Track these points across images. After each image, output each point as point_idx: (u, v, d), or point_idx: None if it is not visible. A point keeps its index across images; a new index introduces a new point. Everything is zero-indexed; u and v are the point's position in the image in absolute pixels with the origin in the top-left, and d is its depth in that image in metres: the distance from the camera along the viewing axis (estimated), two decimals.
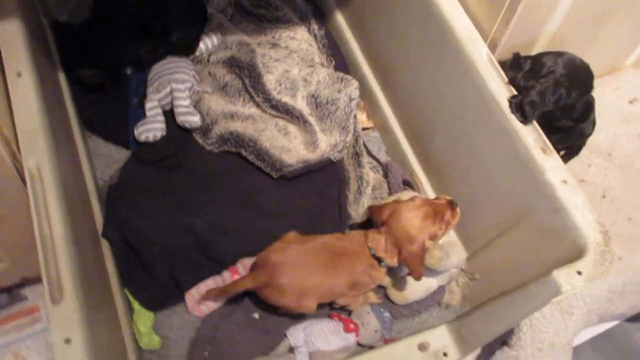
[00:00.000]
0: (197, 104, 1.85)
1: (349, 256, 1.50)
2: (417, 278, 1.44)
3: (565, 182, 1.30)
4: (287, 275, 1.46)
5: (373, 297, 1.66)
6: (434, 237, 1.45)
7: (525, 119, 1.36)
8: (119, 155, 1.85)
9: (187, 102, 1.80)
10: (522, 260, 1.46)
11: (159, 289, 1.64)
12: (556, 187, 1.29)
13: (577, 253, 1.24)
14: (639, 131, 1.81)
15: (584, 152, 1.71)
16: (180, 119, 1.79)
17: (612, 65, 1.87)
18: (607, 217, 1.65)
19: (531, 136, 1.35)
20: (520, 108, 1.36)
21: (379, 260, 1.48)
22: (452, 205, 1.48)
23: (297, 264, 1.49)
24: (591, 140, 1.68)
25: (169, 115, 1.82)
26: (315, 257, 1.51)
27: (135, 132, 1.77)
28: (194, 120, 1.79)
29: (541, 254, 1.38)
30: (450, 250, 1.59)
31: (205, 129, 1.82)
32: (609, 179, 1.73)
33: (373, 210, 1.52)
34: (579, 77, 1.48)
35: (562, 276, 1.18)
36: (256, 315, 1.64)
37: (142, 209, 1.71)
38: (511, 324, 1.40)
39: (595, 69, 1.79)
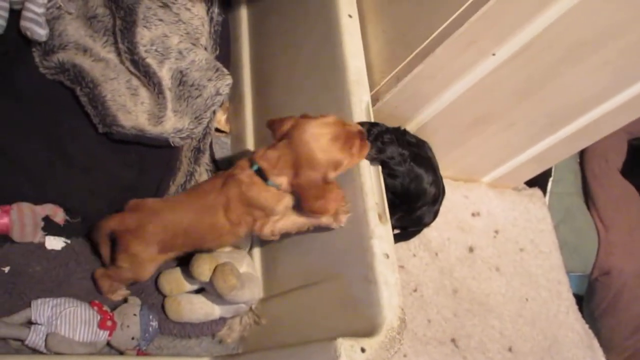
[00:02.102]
0: (52, 20, 1.62)
1: (217, 188, 1.31)
2: (309, 211, 1.24)
3: (387, 256, 1.22)
4: (160, 222, 1.34)
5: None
6: (337, 167, 1.23)
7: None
8: None
9: (40, 10, 1.55)
10: (315, 319, 1.36)
11: None
12: (376, 258, 1.21)
13: (369, 330, 1.15)
14: (469, 244, 1.83)
15: (415, 241, 1.69)
16: (23, 24, 1.54)
17: (470, 174, 1.89)
18: (409, 310, 1.61)
19: (374, 198, 1.27)
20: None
21: (265, 178, 1.26)
22: (362, 135, 1.26)
23: (171, 211, 1.36)
24: (425, 233, 1.66)
25: (15, 15, 1.55)
26: (186, 201, 1.38)
27: None
28: (39, 32, 1.55)
29: (335, 319, 1.29)
30: (247, 284, 1.45)
31: (48, 49, 1.59)
32: (426, 277, 1.71)
33: (273, 122, 1.29)
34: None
35: (345, 347, 1.08)
36: (6, 270, 1.40)
37: None
38: None
39: (454, 170, 1.81)
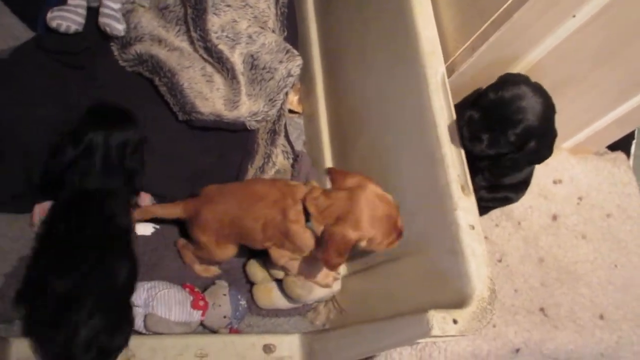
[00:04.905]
0: (126, 14, 1.67)
1: (268, 201, 1.35)
2: (327, 266, 1.26)
3: (472, 227, 1.21)
4: (212, 209, 1.39)
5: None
6: (371, 241, 1.25)
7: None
8: (20, 33, 1.65)
9: (117, 6, 1.62)
10: (402, 292, 1.36)
11: (7, 187, 1.45)
12: (462, 229, 1.20)
13: (458, 302, 1.15)
14: (553, 212, 1.79)
15: (496, 211, 1.66)
16: (102, 21, 1.60)
17: None
18: (495, 281, 1.59)
19: (456, 170, 1.25)
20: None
21: (307, 219, 1.30)
22: (400, 235, 1.29)
23: (222, 200, 1.40)
24: None
25: (92, 13, 1.62)
26: (237, 195, 1.40)
27: (48, 15, 1.56)
28: (118, 27, 1.60)
29: (423, 292, 1.29)
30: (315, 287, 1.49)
31: (125, 42, 1.64)
32: (510, 246, 1.69)
33: (335, 172, 1.34)
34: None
35: (437, 319, 1.08)
36: None
37: (23, 97, 1.51)
38: (368, 353, 1.30)
39: None
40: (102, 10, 1.59)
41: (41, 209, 1.44)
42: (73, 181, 1.33)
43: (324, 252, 1.24)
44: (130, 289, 1.30)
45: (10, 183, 1.44)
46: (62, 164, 1.32)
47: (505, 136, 1.28)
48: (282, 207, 1.32)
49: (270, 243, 1.37)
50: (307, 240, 1.31)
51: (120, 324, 1.26)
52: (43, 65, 1.56)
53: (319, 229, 1.27)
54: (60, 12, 1.56)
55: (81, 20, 1.59)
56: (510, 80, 1.29)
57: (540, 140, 1.31)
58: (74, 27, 1.57)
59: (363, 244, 1.25)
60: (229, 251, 1.45)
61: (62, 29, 1.56)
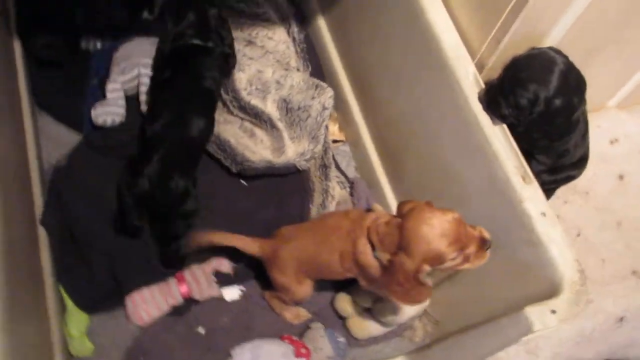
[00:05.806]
0: None
1: (342, 232, 1.35)
2: (386, 288, 1.25)
3: (544, 214, 1.22)
4: (288, 249, 1.43)
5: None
6: (436, 261, 1.19)
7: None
8: (69, 138, 1.72)
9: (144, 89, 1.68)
10: (491, 294, 1.37)
11: (97, 288, 1.52)
12: (533, 219, 1.21)
13: (550, 291, 1.16)
14: (618, 172, 1.76)
15: (561, 188, 1.65)
16: (144, 108, 1.66)
17: (596, 104, 1.82)
18: (579, 257, 1.58)
19: (512, 162, 1.26)
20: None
21: (373, 249, 1.29)
22: (483, 244, 1.21)
23: (297, 238, 1.45)
24: None
25: (130, 101, 1.69)
26: (312, 231, 1.45)
27: (93, 114, 1.63)
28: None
29: (511, 289, 1.29)
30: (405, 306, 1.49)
31: None
32: (584, 219, 1.67)
33: (400, 203, 1.31)
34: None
35: (535, 314, 1.10)
36: (201, 330, 1.53)
37: (89, 199, 1.58)
38: None
39: None
40: (142, 97, 1.66)
41: (132, 300, 1.51)
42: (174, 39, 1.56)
43: (389, 284, 1.23)
44: (202, 143, 1.56)
45: (100, 285, 1.51)
46: (169, 35, 1.57)
47: (514, 96, 1.25)
48: (353, 238, 1.32)
49: (351, 274, 1.39)
50: (376, 269, 1.29)
51: (187, 169, 1.49)
52: (100, 164, 1.63)
53: (384, 256, 1.25)
54: (103, 107, 1.64)
55: (122, 111, 1.66)
56: (536, 47, 1.29)
57: (549, 103, 1.25)
58: (118, 119, 1.65)
59: (427, 268, 1.20)
60: (308, 288, 1.48)
61: (108, 123, 1.63)
